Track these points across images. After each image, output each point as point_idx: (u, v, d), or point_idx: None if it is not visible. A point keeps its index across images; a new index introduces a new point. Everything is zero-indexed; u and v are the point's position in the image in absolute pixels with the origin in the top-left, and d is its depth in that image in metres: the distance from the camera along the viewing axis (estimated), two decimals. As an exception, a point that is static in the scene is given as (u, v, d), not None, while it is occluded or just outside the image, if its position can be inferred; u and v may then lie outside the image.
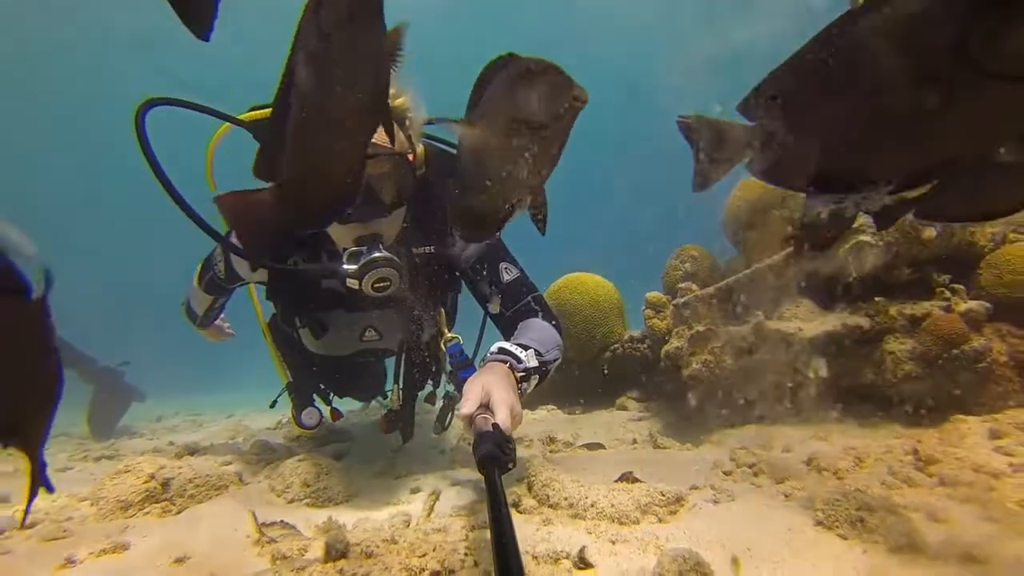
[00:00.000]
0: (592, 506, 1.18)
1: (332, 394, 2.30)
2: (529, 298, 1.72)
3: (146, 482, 1.52)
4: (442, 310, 1.82)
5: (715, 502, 1.23)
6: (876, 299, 1.93)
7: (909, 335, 1.87)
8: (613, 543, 1.03)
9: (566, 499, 1.23)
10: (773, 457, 1.56)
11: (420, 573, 0.88)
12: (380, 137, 1.40)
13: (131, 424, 4.26)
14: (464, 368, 1.62)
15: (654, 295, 2.67)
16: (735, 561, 0.91)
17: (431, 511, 1.30)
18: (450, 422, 1.91)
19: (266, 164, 0.93)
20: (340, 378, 2.26)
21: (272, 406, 2.23)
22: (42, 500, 1.61)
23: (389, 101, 0.94)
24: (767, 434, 1.88)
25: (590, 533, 1.09)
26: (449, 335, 1.70)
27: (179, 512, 1.46)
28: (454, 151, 1.81)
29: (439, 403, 2.00)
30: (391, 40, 0.82)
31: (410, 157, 1.49)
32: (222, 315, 2.38)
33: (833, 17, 0.72)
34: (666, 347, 2.32)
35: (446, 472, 1.71)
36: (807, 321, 1.99)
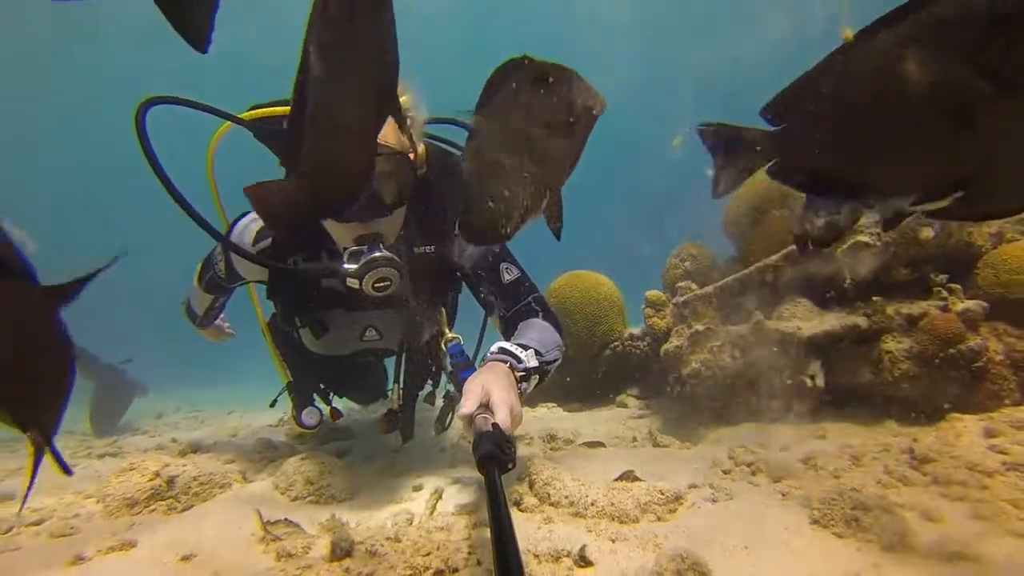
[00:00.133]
0: (592, 504, 1.20)
1: (332, 394, 2.30)
2: (530, 298, 1.72)
3: (151, 480, 1.54)
4: (442, 310, 1.81)
5: (713, 501, 1.25)
6: (874, 299, 1.94)
7: (906, 334, 1.88)
8: (613, 541, 1.05)
9: (567, 497, 1.25)
10: (771, 456, 1.57)
11: (424, 572, 0.90)
12: (382, 136, 1.41)
13: (133, 421, 4.28)
14: (465, 368, 1.62)
15: (654, 294, 2.68)
16: None
17: (433, 509, 1.32)
18: (450, 422, 1.92)
19: (288, 151, 0.95)
20: (340, 378, 2.27)
21: (272, 405, 2.24)
22: (49, 497, 1.63)
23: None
24: (765, 432, 1.90)
25: (590, 531, 1.10)
26: (450, 335, 1.71)
27: (184, 510, 1.48)
28: (455, 150, 1.82)
29: (439, 403, 2.00)
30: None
31: (411, 156, 1.49)
32: (222, 315, 2.38)
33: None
34: (666, 345, 2.33)
35: (447, 470, 1.73)
36: (806, 320, 2.01)
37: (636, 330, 3.01)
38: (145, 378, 4.66)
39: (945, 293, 1.89)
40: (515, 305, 1.71)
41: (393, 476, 1.69)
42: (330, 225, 1.49)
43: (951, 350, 1.77)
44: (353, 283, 1.43)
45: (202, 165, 1.99)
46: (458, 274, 1.81)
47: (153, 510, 1.48)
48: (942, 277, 1.93)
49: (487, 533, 1.10)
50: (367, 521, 1.28)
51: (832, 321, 1.95)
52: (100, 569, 1.09)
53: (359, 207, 1.41)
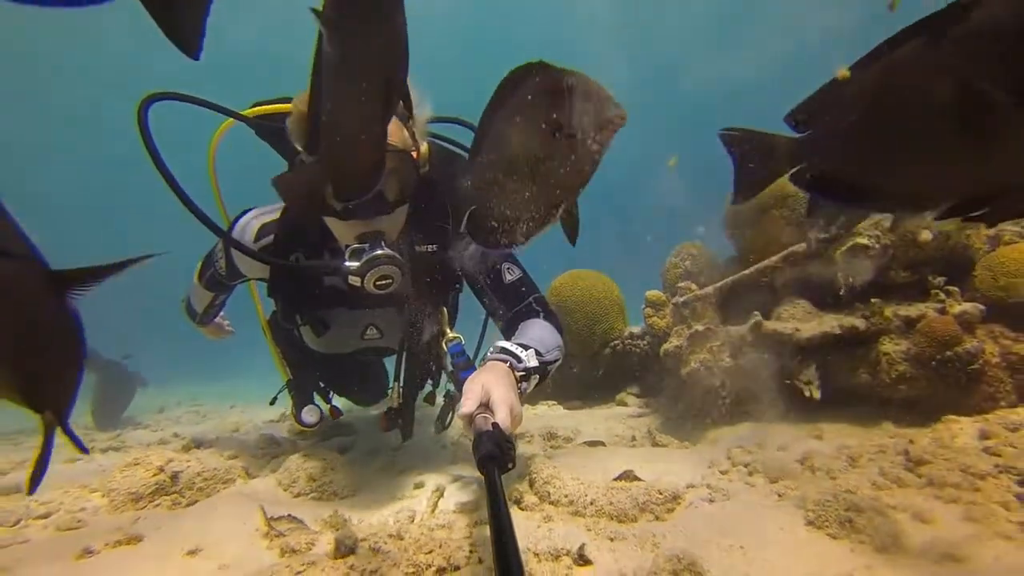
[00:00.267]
0: (591, 504, 1.22)
1: (332, 393, 2.31)
2: (531, 299, 1.72)
3: (155, 475, 1.56)
4: (443, 309, 1.81)
5: (711, 501, 1.27)
6: (872, 300, 1.96)
7: (904, 336, 1.90)
8: (612, 540, 1.07)
9: (566, 496, 1.27)
10: (768, 456, 1.59)
11: (427, 569, 0.92)
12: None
13: (135, 415, 4.31)
14: (465, 368, 1.62)
15: (654, 294, 2.70)
16: None
17: (435, 507, 1.34)
18: (450, 421, 1.93)
19: (311, 137, 0.96)
20: (341, 377, 2.27)
21: (272, 403, 2.26)
22: (54, 490, 1.65)
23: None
24: (763, 432, 1.91)
25: (589, 530, 1.12)
26: (451, 334, 1.70)
27: (188, 505, 1.50)
28: (457, 149, 1.83)
29: (439, 402, 2.00)
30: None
31: (414, 155, 1.49)
32: (221, 313, 2.38)
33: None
34: (665, 345, 2.35)
35: (449, 467, 1.75)
36: (804, 321, 2.02)
37: (636, 329, 3.03)
38: (145, 373, 4.70)
39: (943, 295, 1.90)
40: (516, 305, 1.71)
41: (395, 473, 1.71)
42: (332, 223, 1.49)
43: (948, 352, 1.78)
44: (355, 281, 1.43)
45: (203, 162, 1.99)
46: (459, 273, 1.81)
47: (158, 505, 1.50)
48: (940, 279, 1.94)
49: (488, 531, 1.12)
50: (369, 518, 1.29)
51: (830, 322, 1.96)
52: (108, 563, 1.11)
53: (361, 204, 1.40)
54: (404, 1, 0.80)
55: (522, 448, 2.03)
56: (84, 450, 1.05)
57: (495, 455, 1.02)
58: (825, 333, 1.94)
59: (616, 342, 3.00)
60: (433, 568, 0.93)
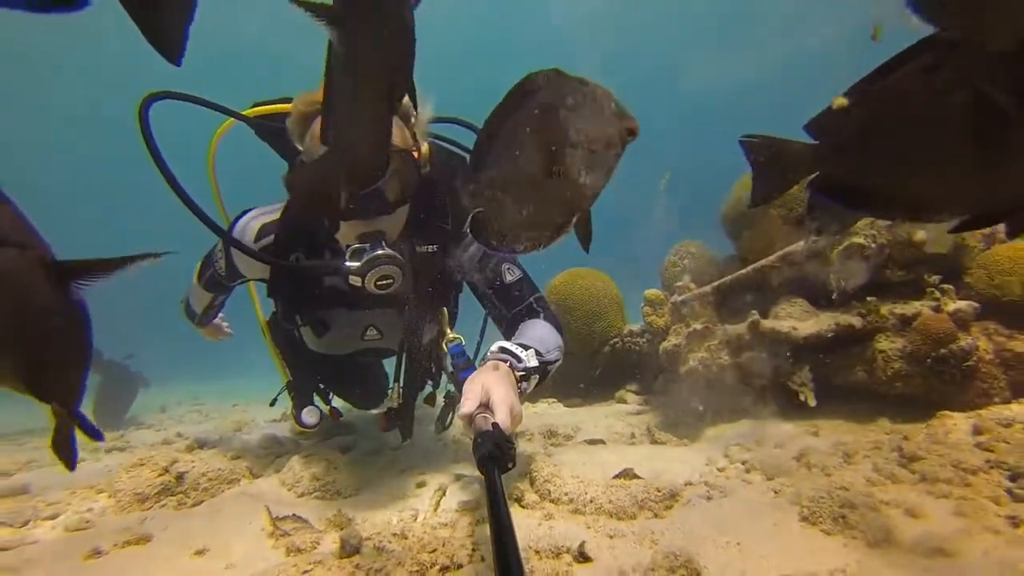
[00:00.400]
0: (591, 502, 1.24)
1: (331, 394, 2.30)
2: (531, 299, 1.73)
3: (161, 475, 1.58)
4: (443, 310, 1.81)
5: (708, 498, 1.29)
6: (868, 299, 1.98)
7: (900, 334, 1.92)
8: (611, 538, 1.09)
9: (567, 495, 1.29)
10: (765, 454, 1.62)
11: (430, 568, 0.94)
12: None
13: (137, 415, 4.34)
14: (466, 369, 1.61)
15: (652, 293, 2.72)
16: None
17: (437, 506, 1.36)
18: (451, 422, 1.93)
19: (324, 130, 0.97)
20: (340, 378, 2.26)
21: (272, 404, 2.26)
22: (61, 491, 1.67)
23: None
24: (761, 429, 1.94)
25: (589, 528, 1.14)
26: (451, 335, 1.70)
27: (194, 505, 1.52)
28: (456, 150, 1.84)
29: (439, 403, 2.00)
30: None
31: (415, 155, 1.49)
32: (220, 314, 2.38)
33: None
34: (664, 344, 2.37)
35: (451, 466, 1.77)
36: (801, 320, 2.04)
37: (635, 327, 3.05)
38: (145, 372, 4.72)
39: (938, 294, 1.92)
40: (516, 306, 1.72)
41: (397, 473, 1.72)
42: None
43: (943, 350, 1.80)
44: (356, 281, 1.43)
45: (202, 162, 1.99)
46: (459, 274, 1.82)
47: (164, 505, 1.51)
48: (935, 278, 1.96)
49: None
50: (372, 517, 1.31)
51: (827, 321, 1.98)
52: (118, 563, 1.13)
53: (362, 204, 1.41)
54: None
55: (523, 446, 2.05)
56: (98, 437, 1.04)
57: (495, 455, 1.03)
58: (822, 331, 1.96)
59: (615, 340, 3.02)
60: (437, 567, 0.95)
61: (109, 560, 1.15)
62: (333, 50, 0.82)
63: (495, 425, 1.13)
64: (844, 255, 1.93)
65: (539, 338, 1.56)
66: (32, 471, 2.15)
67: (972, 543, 0.95)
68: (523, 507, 1.31)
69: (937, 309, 1.88)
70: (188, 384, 7.75)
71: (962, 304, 1.86)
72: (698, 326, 2.19)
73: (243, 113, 1.79)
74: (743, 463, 1.54)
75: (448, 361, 1.69)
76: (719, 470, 1.53)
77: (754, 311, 2.09)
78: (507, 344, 1.45)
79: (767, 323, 2.05)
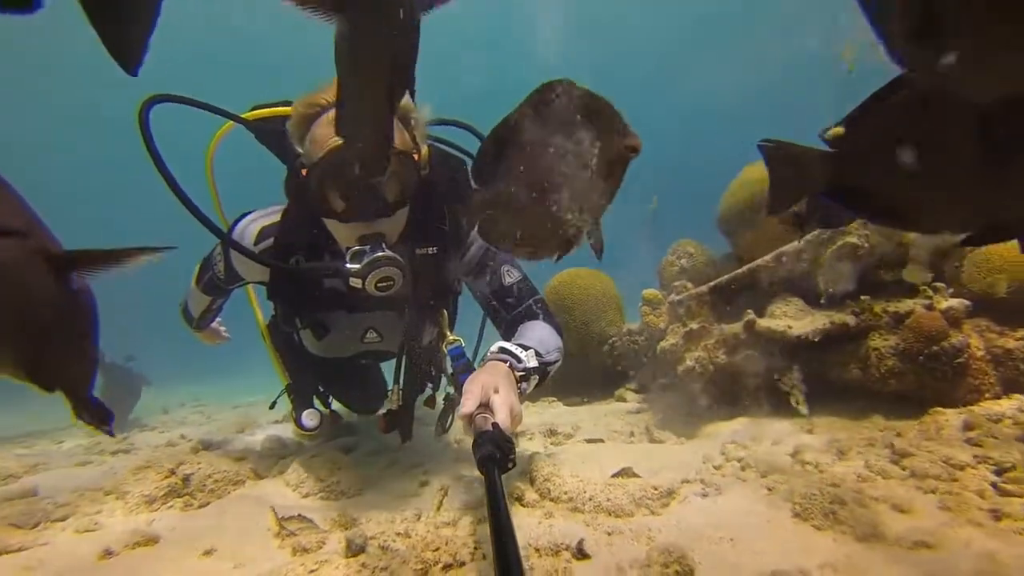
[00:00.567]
0: (590, 500, 1.27)
1: (331, 398, 2.31)
2: (530, 301, 1.74)
3: (167, 477, 1.60)
4: (443, 311, 1.83)
5: (704, 495, 1.32)
6: (862, 297, 2.01)
7: (893, 332, 1.95)
8: (609, 535, 1.12)
9: (566, 493, 1.32)
10: (761, 451, 1.65)
11: (433, 566, 0.97)
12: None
13: (140, 416, 4.37)
14: (465, 371, 1.62)
15: (650, 292, 2.75)
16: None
17: (440, 505, 1.39)
18: (451, 424, 1.95)
19: (338, 122, 0.99)
20: (340, 381, 2.27)
21: (272, 407, 2.27)
22: (69, 493, 1.70)
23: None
24: (758, 426, 1.97)
25: (588, 526, 1.17)
26: (451, 337, 1.71)
27: (201, 506, 1.54)
28: (455, 152, 1.86)
29: (439, 406, 2.01)
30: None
31: (415, 157, 1.49)
32: (218, 318, 2.38)
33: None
34: (662, 343, 2.40)
35: (452, 466, 1.79)
36: (796, 319, 2.07)
37: (634, 326, 3.08)
38: (146, 373, 4.75)
39: (930, 292, 1.95)
40: (516, 307, 1.72)
41: (399, 473, 1.75)
42: (332, 225, 1.50)
43: (935, 347, 1.83)
44: (356, 283, 1.44)
45: (199, 164, 2.00)
46: (459, 276, 1.82)
47: (171, 507, 1.54)
48: (928, 276, 1.99)
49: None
50: (376, 517, 1.34)
51: (822, 320, 2.01)
52: (129, 563, 1.16)
53: (362, 206, 1.42)
54: None
55: (523, 445, 2.08)
56: (110, 422, 1.05)
57: (495, 456, 1.04)
58: (816, 330, 1.99)
59: (615, 339, 3.06)
60: (440, 565, 0.98)
61: (120, 560, 1.18)
62: (335, 41, 0.82)
63: (495, 425, 1.14)
64: (837, 255, 1.96)
65: (539, 339, 1.57)
66: (40, 473, 2.18)
67: (954, 535, 0.99)
68: (523, 506, 1.33)
69: (929, 307, 1.91)
70: (188, 385, 7.78)
71: (954, 302, 1.88)
72: (695, 326, 2.22)
73: (242, 116, 1.80)
74: (739, 461, 1.57)
75: (448, 363, 1.70)
76: (715, 468, 1.56)
77: (750, 310, 2.12)
78: (507, 344, 1.46)
79: (763, 322, 2.08)
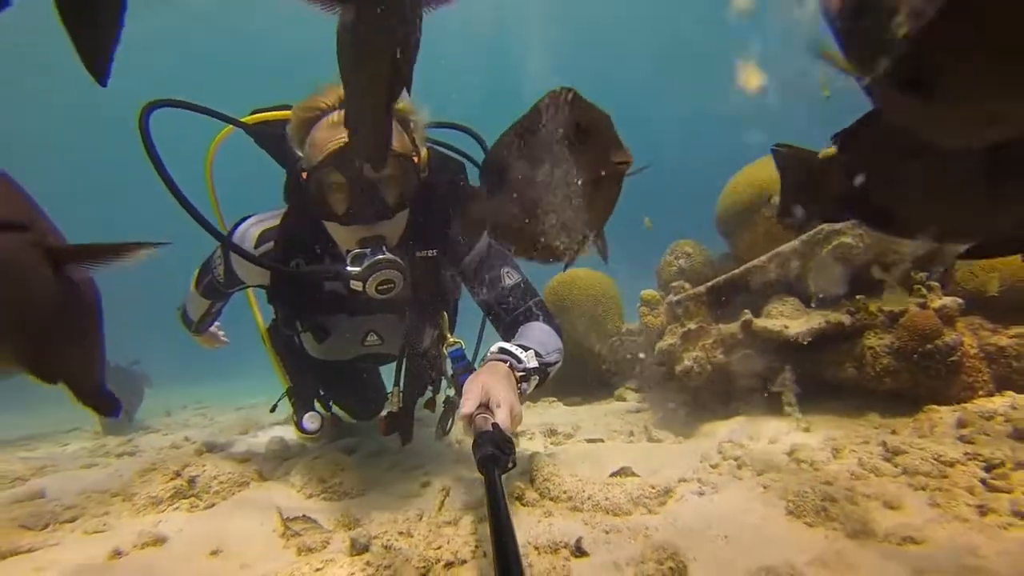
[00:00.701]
0: (589, 499, 1.30)
1: (331, 402, 2.32)
2: (530, 302, 1.74)
3: (172, 479, 1.62)
4: (444, 314, 1.84)
5: (700, 494, 1.35)
6: (857, 296, 2.03)
7: (888, 331, 1.97)
8: (607, 533, 1.15)
9: (565, 493, 1.34)
10: (757, 450, 1.67)
11: (435, 564, 1.00)
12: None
13: (143, 419, 4.39)
14: (466, 373, 1.62)
15: (648, 293, 2.77)
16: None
17: (442, 505, 1.41)
18: (451, 427, 1.96)
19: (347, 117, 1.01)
20: (340, 384, 2.28)
21: (272, 411, 2.29)
22: (76, 495, 1.72)
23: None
24: (755, 425, 1.99)
25: (587, 524, 1.20)
26: (451, 339, 1.72)
27: (206, 508, 1.57)
28: (454, 154, 1.87)
29: (439, 408, 2.01)
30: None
31: (415, 160, 1.50)
32: (216, 322, 2.38)
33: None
34: (660, 343, 2.42)
35: (454, 466, 1.81)
36: (792, 319, 2.10)
37: (633, 326, 3.10)
38: (147, 375, 4.78)
39: (924, 291, 1.98)
40: (516, 309, 1.72)
41: (401, 473, 1.77)
42: (333, 228, 1.51)
43: (929, 345, 1.86)
44: (357, 285, 1.45)
45: (200, 166, 2.01)
46: (459, 278, 1.83)
47: (177, 508, 1.56)
48: (922, 275, 2.02)
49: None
50: (379, 517, 1.36)
51: (817, 319, 2.04)
52: (138, 563, 1.18)
53: (362, 209, 1.43)
54: None
55: (523, 445, 2.10)
56: (117, 412, 1.06)
57: (495, 456, 1.04)
58: (812, 329, 2.02)
59: (614, 339, 3.08)
60: (441, 563, 1.01)
61: (130, 560, 1.20)
62: (338, 32, 0.82)
63: (495, 425, 1.14)
64: (832, 256, 1.98)
65: (539, 340, 1.57)
66: (47, 476, 2.21)
67: (940, 530, 1.02)
68: (524, 505, 1.36)
69: (923, 306, 1.93)
70: (189, 387, 7.80)
71: (947, 300, 1.91)
72: (692, 326, 2.24)
73: (241, 120, 1.81)
74: (735, 459, 1.59)
75: (448, 365, 1.70)
76: (712, 466, 1.58)
77: (747, 310, 2.15)
78: (507, 345, 1.46)
79: (759, 322, 2.11)
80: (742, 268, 2.25)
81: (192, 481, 1.64)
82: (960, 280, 2.03)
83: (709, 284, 2.32)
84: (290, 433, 2.59)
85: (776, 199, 2.36)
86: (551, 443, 2.13)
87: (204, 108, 1.69)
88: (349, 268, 1.45)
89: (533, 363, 1.43)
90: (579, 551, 1.06)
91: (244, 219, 1.76)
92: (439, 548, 1.04)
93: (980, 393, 1.84)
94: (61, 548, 1.30)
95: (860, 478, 1.33)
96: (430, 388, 2.06)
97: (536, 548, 1.08)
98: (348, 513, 1.37)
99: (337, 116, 1.45)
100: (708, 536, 1.09)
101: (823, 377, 2.08)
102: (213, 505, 1.58)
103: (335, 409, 2.41)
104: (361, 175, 1.41)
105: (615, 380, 3.09)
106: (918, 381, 1.88)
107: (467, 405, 1.21)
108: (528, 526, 1.19)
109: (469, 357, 1.73)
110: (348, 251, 1.49)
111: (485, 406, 1.22)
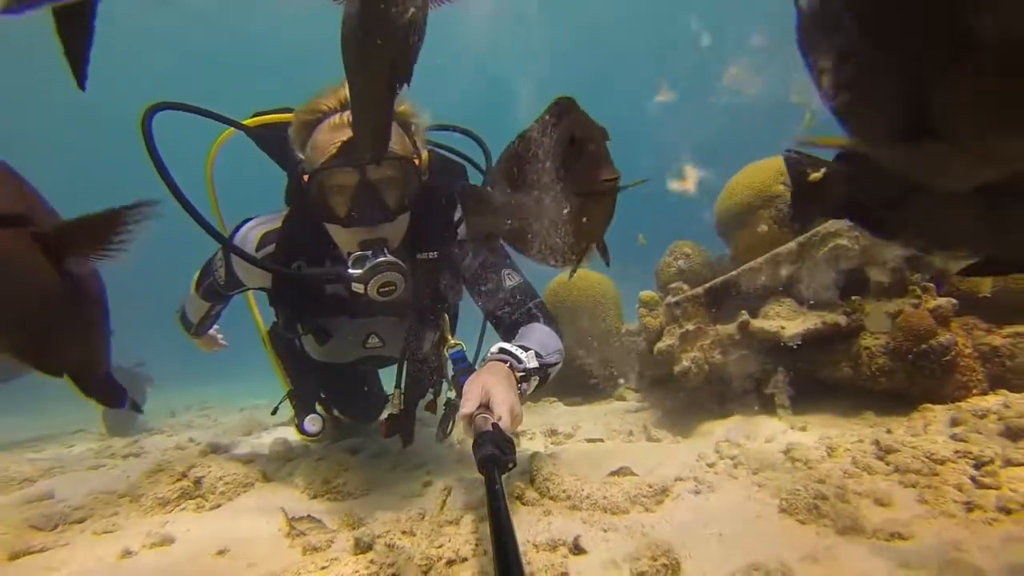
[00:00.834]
0: (587, 498, 1.33)
1: (332, 406, 2.34)
2: (531, 304, 1.74)
3: (179, 480, 1.65)
4: (445, 316, 1.85)
5: (696, 493, 1.37)
6: (853, 297, 2.06)
7: (883, 331, 2.00)
8: (605, 531, 1.18)
9: (564, 492, 1.37)
10: (753, 449, 1.70)
11: (437, 562, 1.03)
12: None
13: (147, 420, 4.42)
14: (466, 374, 1.61)
15: (647, 294, 2.79)
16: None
17: (443, 505, 1.44)
18: (452, 429, 1.97)
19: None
20: (341, 387, 2.29)
21: (274, 413, 2.31)
22: (84, 496, 1.75)
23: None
24: (752, 425, 2.02)
25: (585, 523, 1.22)
26: (452, 341, 1.73)
27: (212, 508, 1.59)
28: (454, 156, 1.89)
29: (440, 410, 2.02)
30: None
31: (416, 162, 1.51)
32: (216, 325, 2.39)
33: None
34: (659, 344, 2.45)
35: (455, 466, 1.84)
36: (789, 320, 2.12)
37: (633, 326, 3.12)
38: (151, 375, 4.82)
39: (919, 291, 2.00)
40: (516, 310, 1.73)
41: (403, 474, 1.80)
42: (334, 230, 1.52)
43: (923, 345, 1.88)
44: (358, 288, 1.46)
45: (200, 168, 2.02)
46: (460, 280, 1.83)
47: (183, 508, 1.58)
48: (917, 276, 2.04)
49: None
50: (382, 516, 1.38)
51: (814, 320, 2.07)
52: (147, 563, 1.21)
53: (364, 212, 1.44)
54: None
55: (524, 444, 2.13)
56: (123, 402, 1.06)
57: (495, 456, 1.05)
58: (809, 330, 2.04)
59: (614, 339, 3.11)
60: (443, 561, 1.04)
61: (139, 560, 1.23)
62: (343, 21, 0.82)
63: (495, 425, 1.14)
64: (827, 258, 2.01)
65: (539, 341, 1.58)
66: (55, 477, 2.24)
67: (927, 526, 1.05)
68: (524, 504, 1.38)
69: (918, 306, 1.95)
70: (191, 387, 7.84)
71: (942, 301, 1.93)
72: (690, 327, 2.27)
73: (243, 122, 1.81)
74: (732, 458, 1.62)
75: (449, 367, 1.72)
76: (709, 465, 1.61)
77: (744, 311, 2.17)
78: (507, 345, 1.47)
79: (756, 323, 2.13)
80: (739, 270, 2.27)
81: (198, 482, 1.67)
82: (954, 280, 2.05)
83: (707, 285, 2.34)
84: (293, 435, 2.62)
85: (783, 205, 2.39)
86: (552, 443, 2.15)
87: (205, 110, 1.70)
88: (350, 271, 1.46)
89: (533, 363, 1.43)
90: (577, 549, 1.09)
91: (245, 221, 1.77)
92: (441, 547, 1.06)
93: (974, 392, 1.86)
94: (71, 548, 1.33)
95: (853, 476, 1.35)
96: (431, 390, 2.07)
97: (535, 546, 1.10)
98: (352, 513, 1.39)
99: (339, 119, 1.46)
100: (703, 534, 1.11)
101: (820, 377, 2.11)
102: (219, 506, 1.60)
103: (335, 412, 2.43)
104: (366, 163, 1.41)
105: (618, 380, 3.12)
106: (913, 380, 1.91)
107: (467, 405, 1.22)
108: (528, 525, 1.22)
109: (470, 359, 1.73)
110: (349, 253, 1.50)
111: (485, 406, 1.23)
